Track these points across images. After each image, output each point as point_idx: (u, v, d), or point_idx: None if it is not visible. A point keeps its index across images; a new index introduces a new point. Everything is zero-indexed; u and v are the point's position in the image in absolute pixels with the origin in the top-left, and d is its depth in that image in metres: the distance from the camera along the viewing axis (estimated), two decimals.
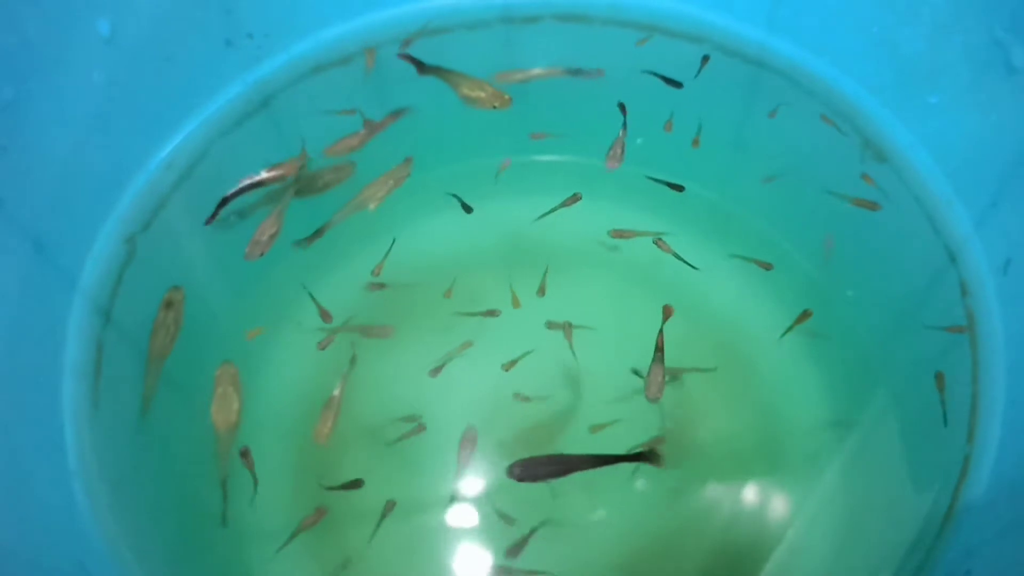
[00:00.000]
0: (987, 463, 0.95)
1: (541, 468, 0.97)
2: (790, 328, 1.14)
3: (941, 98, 1.05)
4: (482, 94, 1.12)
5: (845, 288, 1.17)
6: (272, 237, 1.06)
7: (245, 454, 1.04)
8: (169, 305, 1.05)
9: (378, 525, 1.06)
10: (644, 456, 1.01)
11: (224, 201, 1.07)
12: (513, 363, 1.14)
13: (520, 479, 0.95)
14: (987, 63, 0.97)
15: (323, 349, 1.14)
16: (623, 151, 1.11)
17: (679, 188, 1.20)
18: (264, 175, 1.08)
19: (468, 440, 1.11)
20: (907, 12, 1.03)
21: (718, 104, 1.21)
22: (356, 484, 1.06)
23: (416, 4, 1.17)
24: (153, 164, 1.08)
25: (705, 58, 1.18)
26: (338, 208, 1.14)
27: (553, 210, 1.18)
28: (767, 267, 1.19)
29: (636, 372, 1.09)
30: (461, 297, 1.20)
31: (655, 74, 1.17)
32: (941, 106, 1.05)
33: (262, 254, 1.06)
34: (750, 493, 1.11)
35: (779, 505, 1.10)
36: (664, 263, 1.19)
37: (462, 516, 1.10)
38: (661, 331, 1.08)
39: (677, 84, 1.18)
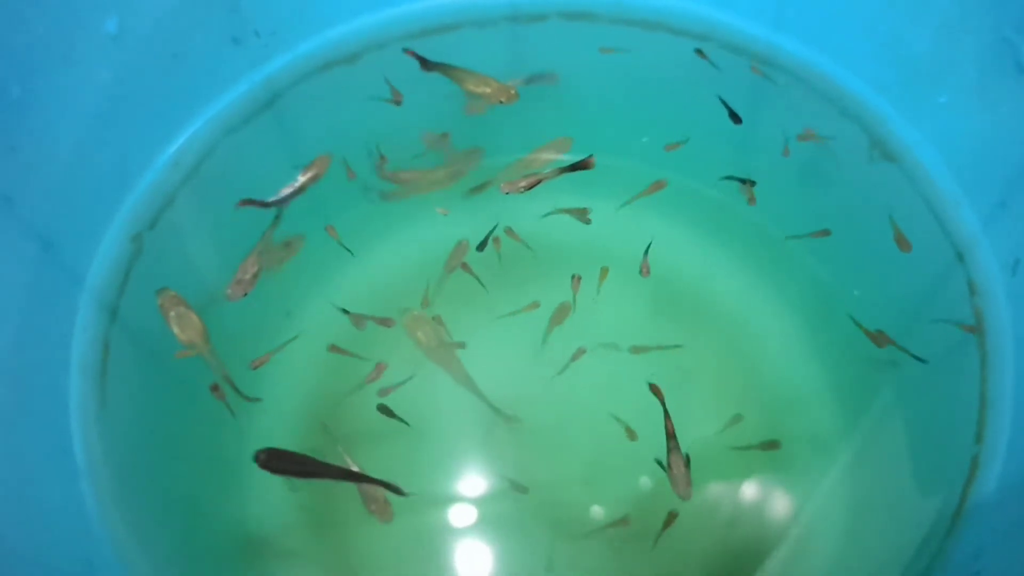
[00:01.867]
0: (996, 463, 0.94)
1: (287, 463, 0.93)
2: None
3: (949, 97, 1.05)
4: (487, 89, 1.11)
5: (852, 288, 1.17)
6: (255, 276, 1.07)
7: (215, 388, 1.03)
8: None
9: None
10: (389, 486, 0.98)
11: (266, 204, 1.09)
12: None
13: (263, 466, 0.91)
14: (996, 62, 0.97)
15: (255, 368, 1.11)
16: (527, 188, 1.08)
17: (751, 184, 1.19)
18: (302, 179, 1.10)
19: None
20: (915, 11, 1.03)
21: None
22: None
23: (423, 2, 1.17)
24: (160, 162, 1.08)
25: (698, 51, 1.17)
26: (501, 168, 1.18)
27: (559, 212, 1.18)
28: (825, 234, 1.17)
29: (659, 463, 1.06)
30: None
31: (723, 102, 1.16)
32: (949, 105, 1.05)
33: (245, 294, 1.07)
34: (753, 492, 1.11)
35: (782, 505, 1.10)
36: (664, 263, 1.19)
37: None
38: (667, 416, 1.04)
39: (738, 119, 1.16)
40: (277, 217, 1.10)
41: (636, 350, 1.16)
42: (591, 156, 1.08)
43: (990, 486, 0.94)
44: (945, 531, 0.94)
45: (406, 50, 1.14)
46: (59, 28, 0.92)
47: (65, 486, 0.92)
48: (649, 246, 1.16)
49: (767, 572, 1.05)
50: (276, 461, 0.90)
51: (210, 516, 1.05)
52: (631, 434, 1.11)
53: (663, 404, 1.04)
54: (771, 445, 1.11)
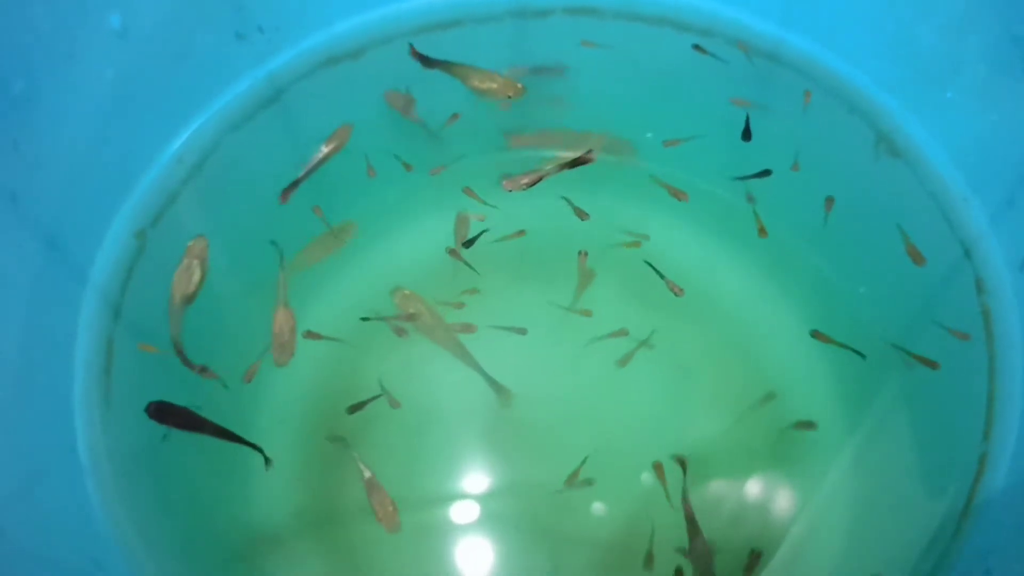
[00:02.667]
0: (1004, 461, 0.95)
1: (173, 416, 1.00)
2: None
3: (957, 94, 1.04)
4: (494, 85, 1.11)
5: (857, 284, 1.16)
6: (292, 330, 1.10)
7: (204, 370, 1.05)
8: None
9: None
10: (256, 447, 1.04)
11: (295, 183, 1.12)
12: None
13: (152, 416, 0.99)
14: (1004, 59, 0.97)
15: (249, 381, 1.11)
16: (529, 184, 1.09)
17: (767, 173, 1.18)
18: (325, 150, 1.13)
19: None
20: (922, 7, 1.03)
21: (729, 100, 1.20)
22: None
23: None
24: (164, 158, 1.07)
25: (696, 46, 1.17)
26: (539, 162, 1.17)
27: (566, 200, 1.18)
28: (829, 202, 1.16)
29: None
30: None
31: (747, 118, 1.17)
32: (957, 102, 1.05)
33: (291, 355, 1.10)
34: (757, 490, 1.11)
35: (785, 504, 1.09)
36: (667, 261, 1.19)
37: None
38: (686, 500, 1.03)
39: (748, 137, 1.17)
40: (281, 262, 1.11)
41: (638, 344, 1.16)
42: (591, 151, 1.08)
43: (998, 484, 0.94)
44: (953, 530, 0.94)
45: (411, 49, 1.13)
46: (63, 24, 0.91)
47: (70, 484, 0.92)
48: (653, 267, 1.17)
49: (770, 572, 1.05)
50: (162, 414, 0.99)
51: (214, 514, 1.05)
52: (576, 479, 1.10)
53: (685, 487, 1.05)
54: (807, 425, 1.11)
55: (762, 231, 1.18)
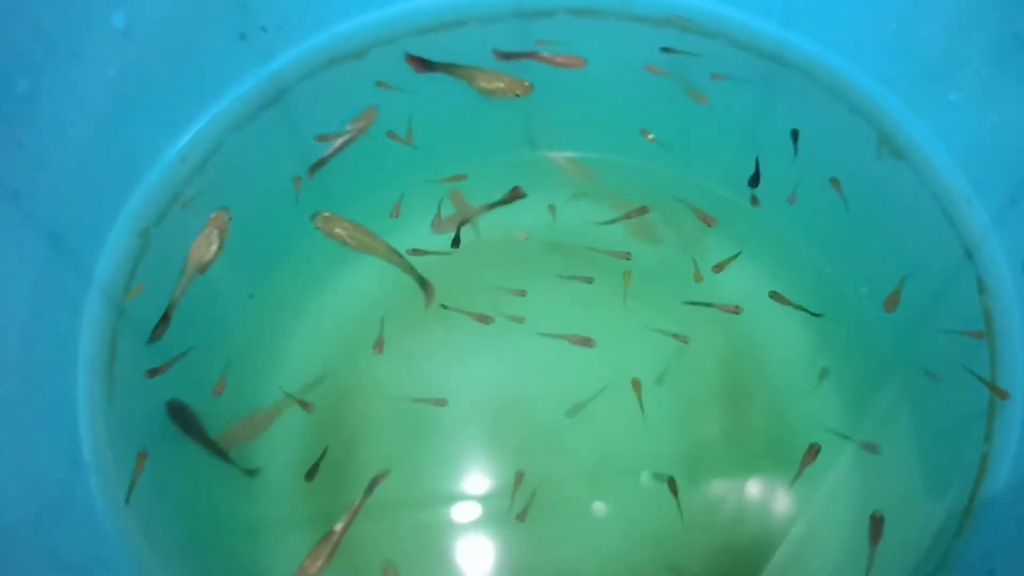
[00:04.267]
0: (1006, 461, 0.94)
1: (183, 420, 1.04)
2: None
3: (959, 94, 1.04)
4: (500, 84, 1.11)
5: (859, 285, 1.16)
6: (260, 430, 1.10)
7: (155, 372, 1.06)
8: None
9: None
10: (237, 464, 1.06)
11: (321, 162, 1.13)
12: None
13: (169, 412, 1.03)
14: (1008, 59, 0.97)
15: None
16: (456, 226, 1.10)
17: (796, 134, 1.18)
18: (350, 129, 1.15)
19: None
20: (925, 6, 1.03)
21: (733, 102, 1.20)
22: None
23: None
24: (167, 158, 1.07)
25: (664, 49, 1.17)
26: None
27: (616, 220, 1.20)
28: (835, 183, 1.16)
29: None
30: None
31: (756, 162, 1.18)
32: (960, 102, 1.04)
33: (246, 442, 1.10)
34: (758, 491, 1.11)
35: (787, 504, 1.10)
36: (672, 259, 1.19)
37: None
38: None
39: (756, 183, 1.19)
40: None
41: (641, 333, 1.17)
42: (518, 187, 1.13)
43: (1000, 485, 0.94)
44: (955, 531, 0.95)
45: (406, 56, 1.14)
46: (67, 22, 0.91)
47: (74, 482, 0.92)
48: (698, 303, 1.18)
49: (771, 571, 1.05)
50: (175, 414, 1.04)
51: (217, 512, 1.05)
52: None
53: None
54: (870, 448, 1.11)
55: (697, 277, 1.21)
